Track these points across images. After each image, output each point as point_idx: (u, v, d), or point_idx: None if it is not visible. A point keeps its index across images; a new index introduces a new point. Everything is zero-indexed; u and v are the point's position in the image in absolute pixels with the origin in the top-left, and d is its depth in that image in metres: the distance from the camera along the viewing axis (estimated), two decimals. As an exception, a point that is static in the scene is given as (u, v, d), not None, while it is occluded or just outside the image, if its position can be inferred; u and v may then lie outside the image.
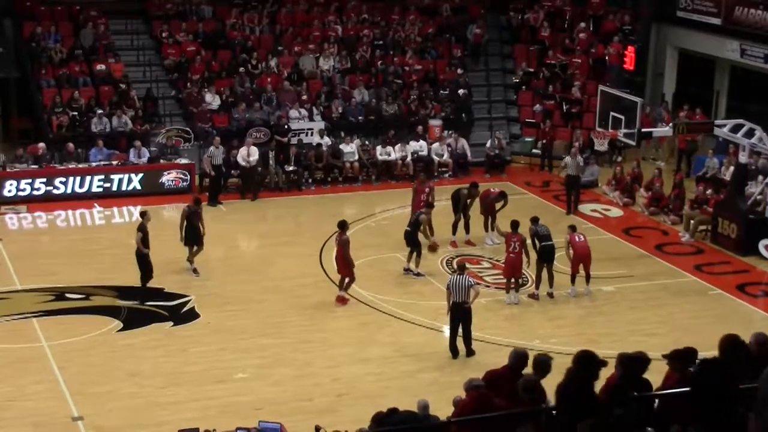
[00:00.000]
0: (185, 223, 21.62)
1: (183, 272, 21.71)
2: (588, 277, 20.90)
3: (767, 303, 21.31)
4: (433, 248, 22.97)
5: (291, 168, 27.94)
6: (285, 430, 13.80)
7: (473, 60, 33.15)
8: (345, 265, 20.23)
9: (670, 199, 26.11)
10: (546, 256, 20.69)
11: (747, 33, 30.03)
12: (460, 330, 18.19)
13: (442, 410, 13.68)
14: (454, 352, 18.18)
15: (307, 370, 17.60)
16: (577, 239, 20.79)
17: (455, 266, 19.34)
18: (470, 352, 18.19)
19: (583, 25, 33.38)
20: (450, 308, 18.16)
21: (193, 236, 21.63)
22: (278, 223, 25.41)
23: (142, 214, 21.00)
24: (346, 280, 20.36)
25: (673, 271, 22.76)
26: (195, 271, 21.57)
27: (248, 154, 27.08)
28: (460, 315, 18.07)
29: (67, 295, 20.39)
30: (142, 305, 20.02)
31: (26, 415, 15.90)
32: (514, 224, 20.78)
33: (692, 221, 24.77)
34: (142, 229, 20.35)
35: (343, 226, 20.56)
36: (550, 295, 20.79)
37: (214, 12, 32.66)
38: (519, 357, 10.28)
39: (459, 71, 32.15)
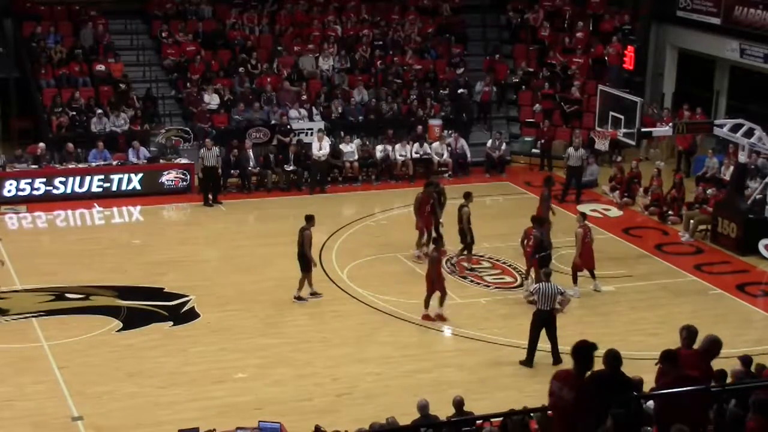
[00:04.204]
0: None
1: (183, 272, 21.72)
2: (575, 279, 20.95)
3: (767, 303, 21.31)
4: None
5: (291, 168, 27.94)
6: (285, 430, 13.82)
7: (480, 118, 31.84)
8: (432, 282, 19.53)
9: (668, 201, 26.09)
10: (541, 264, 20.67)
11: (747, 33, 30.04)
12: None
13: (442, 410, 13.77)
14: (531, 362, 17.76)
15: (307, 369, 17.60)
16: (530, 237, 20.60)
17: (542, 274, 18.44)
18: (558, 360, 17.62)
19: (582, 24, 33.40)
20: (536, 315, 17.76)
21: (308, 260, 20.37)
22: (278, 223, 25.39)
23: None
24: (437, 295, 19.50)
25: (672, 271, 22.76)
26: (301, 298, 20.41)
27: (320, 148, 27.31)
28: (546, 322, 17.75)
29: (67, 295, 20.37)
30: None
31: (26, 415, 15.89)
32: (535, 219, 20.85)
33: (692, 221, 24.78)
34: None
35: (437, 242, 19.98)
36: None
37: (214, 12, 32.66)
38: (714, 342, 10.45)
39: (459, 71, 32.18)
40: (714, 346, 10.47)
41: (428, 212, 22.56)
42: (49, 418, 15.83)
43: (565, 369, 8.60)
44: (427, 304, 19.55)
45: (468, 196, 22.31)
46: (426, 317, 19.57)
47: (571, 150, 27.49)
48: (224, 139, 27.93)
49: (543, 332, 17.75)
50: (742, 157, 24.07)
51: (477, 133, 31.28)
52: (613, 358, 9.47)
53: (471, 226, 22.05)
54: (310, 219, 20.50)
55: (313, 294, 20.47)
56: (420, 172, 28.89)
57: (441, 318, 19.56)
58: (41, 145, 26.95)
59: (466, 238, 22.10)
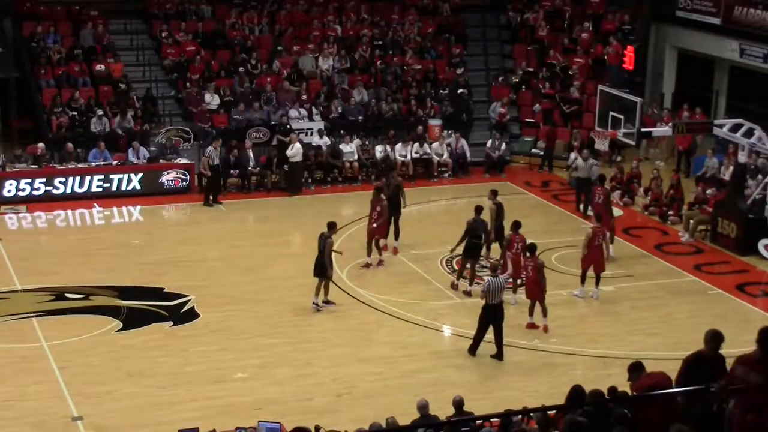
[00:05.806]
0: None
1: (183, 272, 21.72)
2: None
3: (767, 303, 21.31)
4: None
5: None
6: (285, 430, 13.81)
7: (497, 135, 30.84)
8: (537, 289, 19.15)
9: (666, 201, 26.08)
10: (471, 253, 20.73)
11: (746, 33, 30.03)
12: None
13: (442, 410, 13.77)
14: (474, 351, 18.04)
15: (306, 369, 17.61)
16: (515, 244, 20.30)
17: (489, 268, 18.43)
18: (500, 355, 17.95)
19: (582, 25, 33.38)
20: (485, 310, 17.88)
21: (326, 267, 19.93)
22: (278, 223, 25.41)
23: None
24: (537, 304, 19.16)
25: (672, 271, 22.75)
26: (328, 302, 20.15)
27: (290, 149, 27.31)
28: (495, 315, 17.89)
29: (67, 295, 20.37)
30: None
31: (26, 415, 15.90)
32: (516, 225, 20.63)
33: (692, 221, 24.78)
34: None
35: (533, 250, 19.46)
36: (467, 293, 20.65)
37: (214, 12, 32.65)
38: None
39: (459, 71, 32.16)
40: None
41: (374, 219, 22.22)
42: (49, 418, 15.84)
43: (747, 354, 8.48)
44: (531, 312, 19.29)
45: (495, 193, 22.22)
46: (531, 326, 19.24)
47: (579, 162, 26.94)
48: (224, 139, 27.91)
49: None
50: (742, 157, 24.06)
51: (477, 133, 31.26)
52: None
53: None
54: (332, 226, 20.28)
55: (327, 302, 20.17)
56: (420, 172, 28.91)
57: (533, 326, 19.17)
58: (41, 145, 26.95)
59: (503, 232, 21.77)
